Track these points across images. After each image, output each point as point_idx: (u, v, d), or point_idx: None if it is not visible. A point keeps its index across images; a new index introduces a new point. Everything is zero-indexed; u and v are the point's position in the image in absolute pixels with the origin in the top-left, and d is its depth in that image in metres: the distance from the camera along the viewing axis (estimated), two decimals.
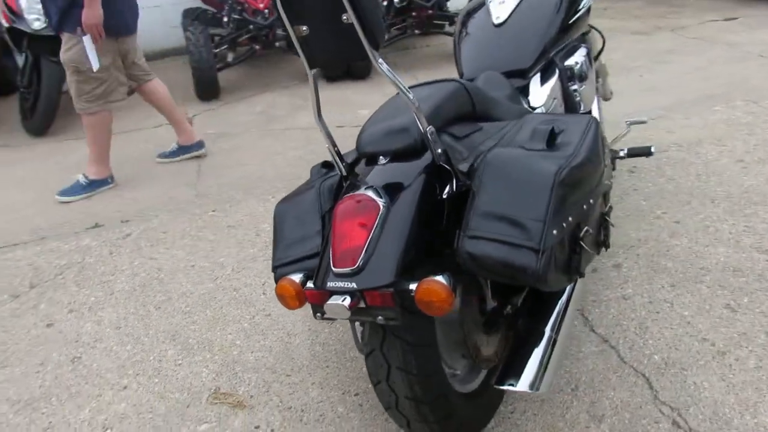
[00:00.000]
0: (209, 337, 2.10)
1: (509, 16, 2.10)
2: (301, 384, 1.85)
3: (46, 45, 4.08)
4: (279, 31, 4.86)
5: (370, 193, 1.26)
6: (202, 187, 3.35)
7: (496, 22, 2.10)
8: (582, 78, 2.13)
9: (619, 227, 2.51)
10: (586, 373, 1.77)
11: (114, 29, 3.11)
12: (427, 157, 1.34)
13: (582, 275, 1.34)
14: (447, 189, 1.35)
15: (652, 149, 2.29)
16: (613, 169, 2.48)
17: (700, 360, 1.78)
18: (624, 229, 2.51)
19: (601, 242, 1.47)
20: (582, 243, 1.29)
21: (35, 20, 3.99)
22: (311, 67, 1.31)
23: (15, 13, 4.01)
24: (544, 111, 1.98)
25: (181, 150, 3.73)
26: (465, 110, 1.51)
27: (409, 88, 1.51)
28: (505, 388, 1.28)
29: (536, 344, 1.35)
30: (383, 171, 1.34)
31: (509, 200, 1.23)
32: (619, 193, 2.74)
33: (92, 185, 3.36)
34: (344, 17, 1.18)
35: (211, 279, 2.44)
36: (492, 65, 2.00)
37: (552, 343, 1.36)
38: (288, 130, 4.06)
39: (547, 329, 1.39)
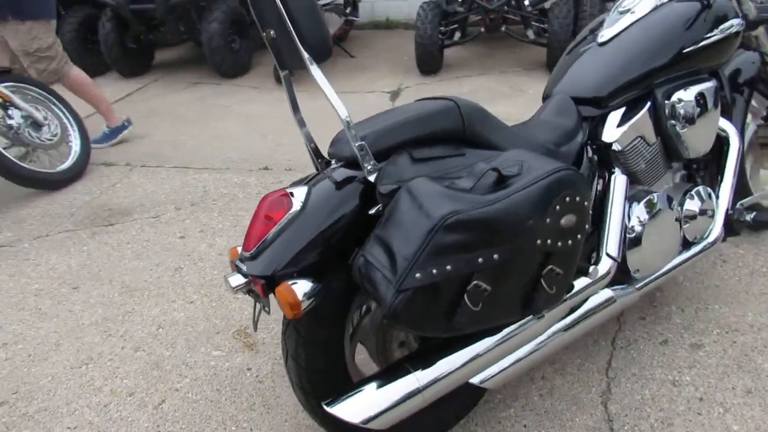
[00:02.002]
0: None
1: (617, 35, 1.84)
2: None
3: None
4: (511, 17, 4.82)
5: (293, 191, 1.36)
6: None
7: (600, 40, 1.86)
8: (689, 119, 1.78)
9: (734, 303, 2.07)
10: None
11: (49, 12, 3.45)
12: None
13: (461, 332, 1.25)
14: (378, 206, 1.36)
15: None
16: (735, 234, 2.03)
17: None
18: (740, 308, 2.06)
19: (526, 305, 1.30)
20: (465, 297, 1.20)
21: None
22: (281, 68, 1.42)
23: None
24: (618, 149, 1.74)
25: (113, 133, 3.93)
26: (450, 130, 1.45)
27: (409, 103, 1.53)
28: (330, 411, 1.28)
29: (391, 379, 1.30)
30: (329, 175, 1.41)
31: (397, 232, 1.21)
32: (745, 265, 2.23)
33: (114, 132, 3.90)
34: (272, 32, 1.27)
35: None
36: (569, 87, 1.80)
37: (420, 388, 1.29)
38: None
39: (416, 372, 1.32)
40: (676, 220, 1.82)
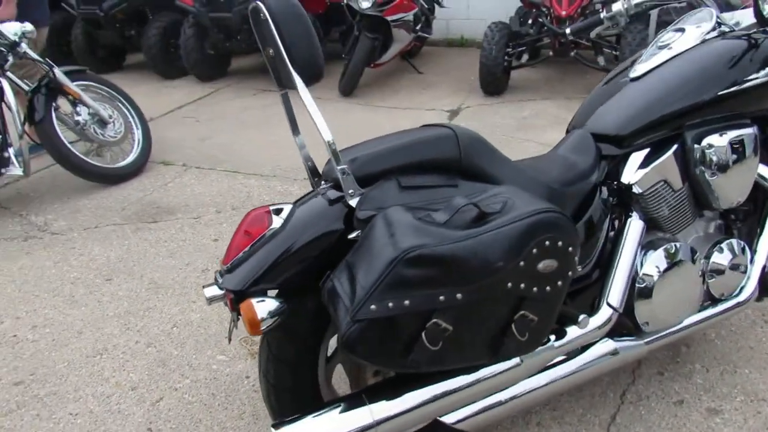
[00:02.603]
0: None
1: (650, 70, 1.73)
2: None
3: (367, 22, 4.83)
4: (582, 41, 4.67)
5: (276, 208, 1.37)
6: None
7: (632, 75, 1.76)
8: (721, 167, 1.65)
9: (767, 370, 1.89)
10: None
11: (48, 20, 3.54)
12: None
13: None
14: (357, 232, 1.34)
15: None
16: None
17: None
18: None
19: (494, 351, 1.24)
20: (423, 335, 1.16)
21: (362, 1, 4.73)
22: (279, 86, 1.44)
23: None
24: (638, 191, 1.63)
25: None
26: (445, 160, 1.41)
27: (409, 129, 1.51)
28: None
29: (344, 409, 1.26)
30: (316, 195, 1.41)
31: (363, 260, 1.20)
32: None
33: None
34: (270, 51, 1.29)
35: None
36: (592, 122, 1.71)
37: (372, 423, 1.25)
38: (526, 141, 3.97)
39: (371, 405, 1.27)
40: (699, 273, 1.69)
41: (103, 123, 3.52)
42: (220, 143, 4.17)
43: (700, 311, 1.76)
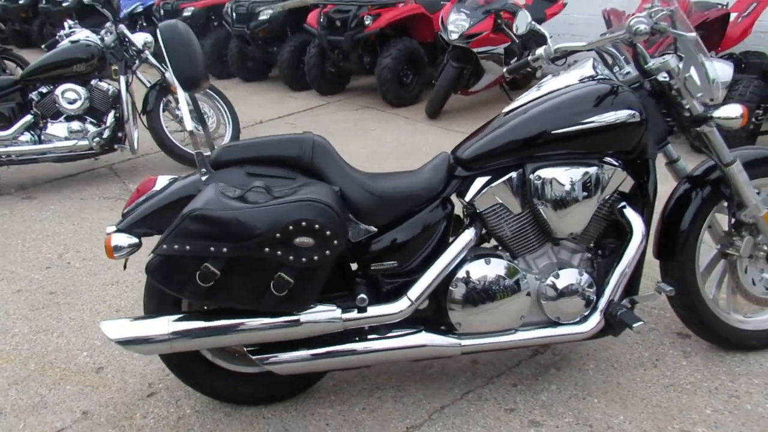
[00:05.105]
0: None
1: (518, 107, 1.95)
2: None
3: (455, 52, 5.20)
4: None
5: (161, 177, 1.88)
6: None
7: (505, 110, 1.99)
8: (551, 199, 1.81)
9: (616, 404, 1.98)
10: None
11: None
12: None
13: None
14: None
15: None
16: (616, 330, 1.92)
17: None
18: (618, 410, 1.97)
19: (256, 300, 1.62)
20: (197, 274, 1.58)
21: (452, 32, 5.11)
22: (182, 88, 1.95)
23: (443, 23, 5.23)
24: (478, 209, 1.87)
25: None
26: (295, 158, 1.81)
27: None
28: (102, 325, 1.74)
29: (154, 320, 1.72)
30: (194, 173, 1.89)
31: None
32: (670, 375, 2.03)
33: None
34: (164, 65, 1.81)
35: None
36: (458, 147, 1.97)
37: (166, 336, 1.71)
38: None
39: (173, 321, 1.72)
40: (525, 291, 1.86)
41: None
42: None
43: (536, 329, 1.93)
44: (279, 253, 1.60)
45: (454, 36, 5.13)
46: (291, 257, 1.60)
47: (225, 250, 1.58)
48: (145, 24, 8.37)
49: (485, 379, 2.12)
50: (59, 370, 2.26)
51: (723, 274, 2.18)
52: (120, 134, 4.13)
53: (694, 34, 1.86)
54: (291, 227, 1.58)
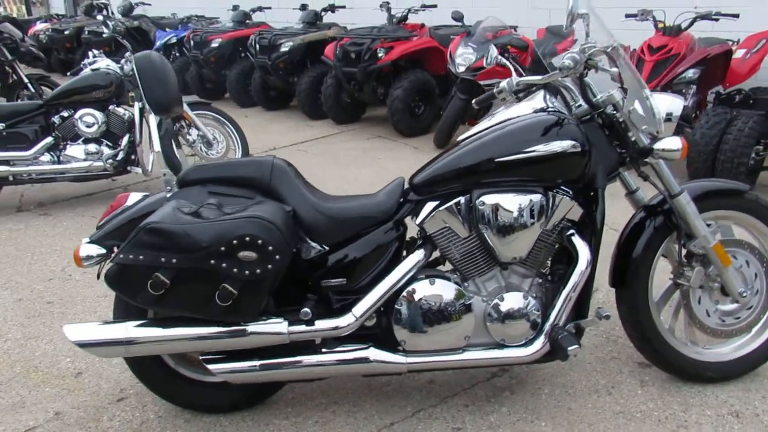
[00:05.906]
0: None
1: (471, 135, 2.04)
2: None
3: (463, 84, 5.32)
4: None
5: (132, 194, 2.03)
6: None
7: (458, 138, 2.08)
8: (492, 224, 1.89)
9: (561, 430, 2.00)
10: None
11: None
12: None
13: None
14: None
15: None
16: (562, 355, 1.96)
17: None
18: None
19: (202, 309, 1.72)
20: (148, 283, 1.71)
21: (459, 65, 5.24)
22: (155, 114, 2.12)
23: (451, 56, 5.37)
24: (428, 231, 1.95)
25: None
26: (254, 179, 1.94)
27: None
28: (65, 329, 1.86)
29: (110, 326, 1.83)
30: (163, 190, 2.03)
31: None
32: (625, 405, 2.03)
33: None
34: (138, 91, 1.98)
35: None
36: (415, 174, 2.06)
37: (123, 340, 1.82)
38: None
39: (130, 328, 1.83)
40: (469, 313, 1.93)
41: (209, 143, 4.56)
42: (304, 170, 4.97)
43: (482, 351, 1.98)
44: (224, 265, 1.71)
45: (462, 69, 5.25)
46: (235, 270, 1.72)
47: (174, 260, 1.71)
48: (178, 54, 8.77)
49: (438, 399, 2.17)
50: (42, 374, 2.41)
51: (679, 305, 2.20)
52: (133, 157, 4.35)
53: (630, 71, 1.91)
54: (235, 241, 1.70)
